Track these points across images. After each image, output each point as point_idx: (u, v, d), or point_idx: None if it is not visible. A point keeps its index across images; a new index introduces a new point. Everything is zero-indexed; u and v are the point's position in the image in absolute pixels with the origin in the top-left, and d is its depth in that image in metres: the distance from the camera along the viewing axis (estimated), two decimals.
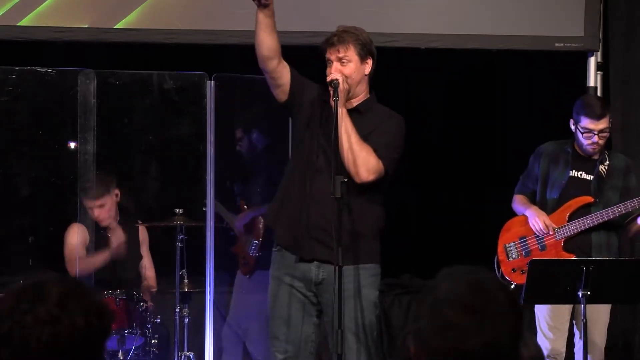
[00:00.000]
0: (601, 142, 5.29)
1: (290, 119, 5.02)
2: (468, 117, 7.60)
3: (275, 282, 4.66)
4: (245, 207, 6.36)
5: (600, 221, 5.22)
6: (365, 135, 4.54)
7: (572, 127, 5.34)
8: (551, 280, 4.79)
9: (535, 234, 5.36)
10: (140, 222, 6.11)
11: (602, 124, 5.26)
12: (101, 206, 5.96)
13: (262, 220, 6.22)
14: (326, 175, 4.45)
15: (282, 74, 4.60)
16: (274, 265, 4.68)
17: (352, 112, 4.58)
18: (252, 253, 6.28)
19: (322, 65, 4.62)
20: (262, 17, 4.48)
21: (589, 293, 4.70)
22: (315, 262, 4.56)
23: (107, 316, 2.01)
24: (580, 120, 5.27)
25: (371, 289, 4.62)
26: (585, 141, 5.27)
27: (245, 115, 6.50)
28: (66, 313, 1.94)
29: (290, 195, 4.64)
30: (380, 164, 4.53)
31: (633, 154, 6.05)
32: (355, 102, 4.63)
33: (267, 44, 4.51)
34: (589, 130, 5.24)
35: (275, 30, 4.51)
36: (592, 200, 5.29)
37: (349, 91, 4.57)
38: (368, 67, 4.63)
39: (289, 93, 4.64)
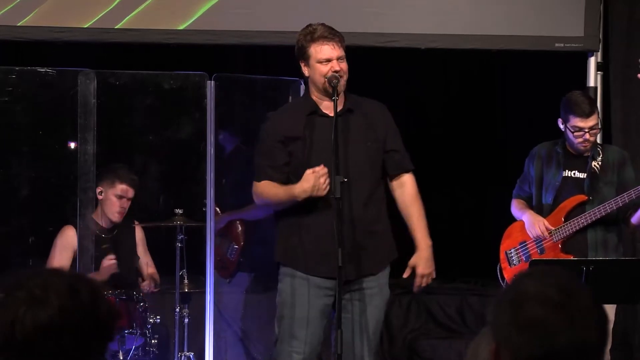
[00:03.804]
0: (592, 139, 5.24)
1: None
2: (468, 117, 7.60)
3: (291, 279, 4.63)
4: (218, 210, 6.25)
5: (594, 219, 5.18)
6: (376, 138, 4.63)
7: (561, 126, 5.29)
8: None
9: None
10: (136, 222, 6.10)
11: (592, 120, 5.21)
12: (129, 200, 5.97)
13: (240, 224, 6.20)
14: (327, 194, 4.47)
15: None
16: (293, 265, 4.67)
17: (346, 113, 4.62)
18: (232, 257, 6.25)
19: None
20: (295, 199, 4.51)
21: None
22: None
23: (114, 311, 2.03)
24: (569, 119, 5.22)
25: (387, 288, 4.74)
26: (575, 140, 5.22)
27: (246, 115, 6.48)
28: (77, 301, 1.95)
29: (297, 220, 4.64)
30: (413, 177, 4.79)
31: (633, 153, 6.04)
32: (343, 100, 4.66)
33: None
34: (579, 129, 5.19)
35: None
36: (586, 198, 5.25)
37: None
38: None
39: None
